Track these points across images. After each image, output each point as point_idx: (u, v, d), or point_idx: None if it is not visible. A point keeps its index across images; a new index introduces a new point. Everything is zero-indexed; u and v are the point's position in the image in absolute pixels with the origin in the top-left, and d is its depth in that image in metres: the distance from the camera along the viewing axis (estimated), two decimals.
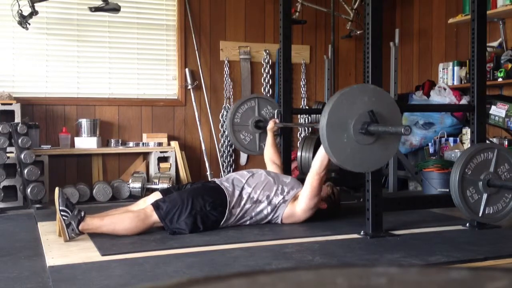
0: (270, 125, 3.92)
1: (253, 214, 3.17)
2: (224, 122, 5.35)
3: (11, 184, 4.15)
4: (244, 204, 3.14)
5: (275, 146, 3.87)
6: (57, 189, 2.82)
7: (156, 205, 2.96)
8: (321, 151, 2.98)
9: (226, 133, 4.27)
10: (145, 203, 3.18)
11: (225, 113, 5.36)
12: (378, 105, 2.69)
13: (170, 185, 4.47)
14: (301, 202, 3.16)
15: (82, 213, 2.80)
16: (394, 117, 2.73)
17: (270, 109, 4.32)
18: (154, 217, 2.93)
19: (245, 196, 3.15)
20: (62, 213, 2.74)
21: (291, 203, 3.19)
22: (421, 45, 5.81)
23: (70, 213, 2.76)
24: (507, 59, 4.57)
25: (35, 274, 2.29)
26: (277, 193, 3.20)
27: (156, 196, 3.22)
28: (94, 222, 2.82)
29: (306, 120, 5.67)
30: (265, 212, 3.18)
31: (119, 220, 2.88)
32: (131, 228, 2.87)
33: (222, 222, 3.08)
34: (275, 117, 4.11)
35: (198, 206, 2.99)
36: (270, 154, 3.81)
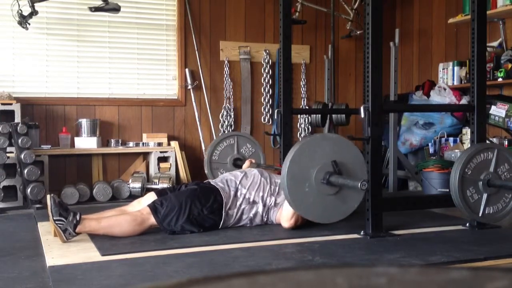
0: (246, 164, 3.93)
1: (251, 215, 3.17)
2: (224, 122, 5.35)
3: (11, 184, 4.15)
4: (240, 205, 3.15)
5: None
6: (48, 198, 2.78)
7: (153, 208, 2.95)
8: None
9: (205, 170, 4.31)
10: (140, 204, 3.17)
11: (225, 113, 5.36)
12: (342, 155, 2.69)
13: (170, 185, 4.47)
14: (283, 216, 3.13)
15: (78, 217, 2.78)
16: (358, 168, 2.73)
17: (249, 147, 4.35)
18: (151, 220, 2.93)
19: (240, 197, 3.15)
20: (56, 222, 2.73)
21: (281, 210, 3.18)
22: (421, 45, 5.81)
23: (65, 220, 2.74)
24: (507, 59, 4.57)
25: (35, 274, 2.29)
26: (270, 194, 3.21)
27: (151, 196, 3.21)
28: (91, 225, 2.82)
29: (307, 120, 5.67)
30: (260, 213, 3.19)
31: (117, 223, 2.88)
32: (128, 231, 2.87)
33: (221, 224, 3.08)
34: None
35: (195, 211, 2.99)
36: None
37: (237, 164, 4.27)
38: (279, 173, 3.53)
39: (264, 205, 3.19)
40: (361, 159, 2.77)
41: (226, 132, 5.25)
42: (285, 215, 3.09)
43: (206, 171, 4.33)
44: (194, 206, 3.00)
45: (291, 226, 3.08)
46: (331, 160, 2.65)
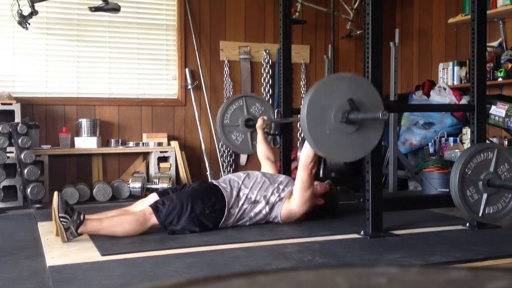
0: (259, 123, 3.95)
1: (251, 214, 3.17)
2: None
3: (11, 184, 4.15)
4: (242, 205, 3.15)
5: (266, 143, 3.89)
6: (55, 194, 2.79)
7: (155, 208, 2.96)
8: (306, 143, 2.98)
9: (218, 134, 4.28)
10: (143, 205, 3.18)
11: None
12: (357, 92, 2.68)
13: (170, 185, 4.47)
14: (295, 197, 3.18)
15: (82, 217, 2.79)
16: (374, 103, 2.71)
17: (259, 107, 4.31)
18: (153, 219, 2.94)
19: (242, 197, 3.16)
20: (61, 219, 2.74)
21: (287, 201, 3.20)
22: (421, 45, 5.81)
23: (69, 218, 2.75)
24: (507, 59, 4.57)
25: (35, 274, 2.29)
26: (273, 193, 3.21)
27: (154, 198, 3.21)
28: (93, 225, 2.82)
29: None
30: (263, 212, 3.19)
31: (119, 223, 2.88)
32: (130, 231, 2.88)
33: (221, 222, 3.08)
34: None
35: (197, 209, 3.00)
36: (262, 151, 3.83)
37: (249, 124, 4.22)
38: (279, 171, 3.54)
39: (267, 203, 3.19)
40: (375, 94, 2.75)
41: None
42: (304, 161, 3.09)
43: (220, 137, 4.28)
44: (196, 205, 3.00)
45: (309, 172, 3.09)
46: (347, 98, 2.63)
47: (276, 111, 4.16)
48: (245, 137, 4.25)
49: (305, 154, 3.10)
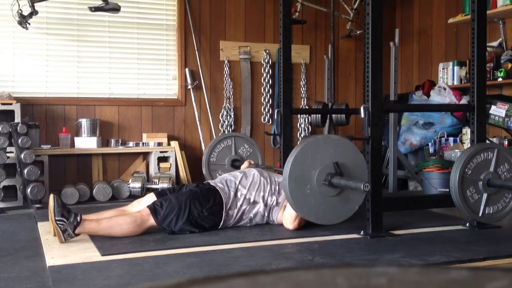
0: (245, 165, 3.92)
1: (251, 215, 3.17)
2: (224, 122, 5.35)
3: (11, 184, 4.15)
4: (241, 205, 3.15)
5: None
6: (51, 197, 2.78)
7: (153, 210, 2.95)
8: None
9: (203, 172, 4.31)
10: (140, 204, 3.17)
11: (225, 113, 5.36)
12: (344, 157, 2.69)
13: (170, 185, 4.47)
14: (284, 223, 3.14)
15: (79, 219, 2.78)
16: (360, 171, 2.73)
17: (247, 148, 4.34)
18: (151, 221, 2.94)
19: (241, 198, 3.15)
20: (58, 222, 2.74)
21: (283, 210, 3.19)
22: (421, 45, 5.81)
23: (66, 221, 2.75)
24: (507, 59, 4.57)
25: (35, 274, 2.29)
26: (270, 193, 3.21)
27: (151, 197, 3.21)
28: (91, 226, 2.82)
29: (307, 120, 5.67)
30: (262, 213, 3.19)
31: (116, 225, 2.88)
32: (128, 232, 2.88)
33: (221, 224, 3.08)
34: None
35: (195, 212, 2.99)
36: None
37: (235, 165, 4.27)
38: (279, 173, 3.54)
39: (266, 205, 3.19)
40: (362, 161, 2.77)
41: (226, 132, 5.25)
42: (288, 217, 3.09)
43: (204, 172, 4.33)
44: (194, 207, 3.00)
45: (295, 228, 3.08)
46: (333, 161, 2.64)
47: (276, 111, 4.16)
48: None
49: (288, 211, 3.07)
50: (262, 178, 3.25)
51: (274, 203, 3.20)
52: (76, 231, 2.77)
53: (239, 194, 3.16)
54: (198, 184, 3.30)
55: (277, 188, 3.24)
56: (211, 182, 3.25)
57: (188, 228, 2.97)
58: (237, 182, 3.20)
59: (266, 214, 3.20)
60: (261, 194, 3.19)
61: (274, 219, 3.22)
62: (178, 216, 2.95)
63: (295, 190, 2.64)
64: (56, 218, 2.72)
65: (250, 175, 3.27)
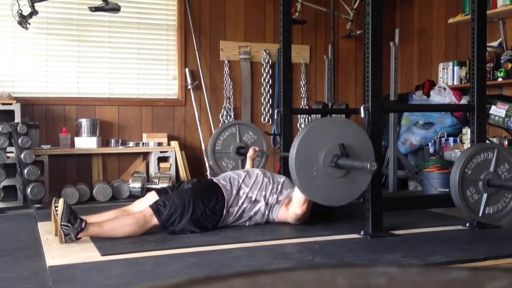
0: (250, 152, 3.92)
1: (251, 213, 3.17)
2: (225, 121, 5.35)
3: (11, 184, 4.15)
4: (242, 203, 3.15)
5: None
6: (61, 202, 2.76)
7: (156, 210, 2.95)
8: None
9: (208, 161, 4.29)
10: (141, 204, 3.17)
11: (225, 113, 5.36)
12: (350, 138, 2.69)
13: (170, 185, 4.47)
14: (291, 212, 3.15)
15: (83, 224, 2.77)
16: (366, 151, 2.73)
17: (251, 135, 4.33)
18: (154, 221, 2.93)
19: (242, 196, 3.15)
20: (63, 226, 2.73)
21: (284, 206, 3.19)
22: (421, 45, 5.81)
23: (71, 226, 2.75)
24: (507, 59, 4.57)
25: (35, 274, 2.29)
26: (272, 193, 3.21)
27: (152, 196, 3.20)
28: (94, 230, 2.81)
29: (307, 120, 5.67)
30: (262, 211, 3.19)
31: (118, 226, 2.87)
32: (130, 233, 2.87)
33: (220, 221, 3.08)
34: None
35: (198, 211, 2.99)
36: None
37: (241, 152, 4.23)
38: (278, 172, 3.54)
39: (267, 204, 3.19)
40: (367, 142, 2.76)
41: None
42: (296, 202, 3.08)
43: (210, 163, 4.30)
44: (197, 207, 2.99)
45: (303, 212, 3.08)
46: (339, 143, 2.64)
47: (276, 111, 4.16)
48: (236, 165, 4.26)
49: (297, 195, 3.08)
50: (265, 178, 3.26)
51: (275, 201, 3.20)
52: (79, 236, 2.77)
53: (241, 192, 3.16)
54: (200, 180, 3.30)
55: (279, 187, 3.24)
56: (214, 179, 3.25)
57: (189, 228, 2.96)
58: (240, 181, 3.20)
59: (266, 212, 3.20)
60: (263, 193, 3.19)
61: (274, 217, 3.21)
62: (181, 216, 2.95)
63: (302, 172, 2.62)
64: (62, 223, 2.72)
65: (254, 174, 3.27)
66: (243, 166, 4.16)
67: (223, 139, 4.30)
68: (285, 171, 3.99)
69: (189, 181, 3.46)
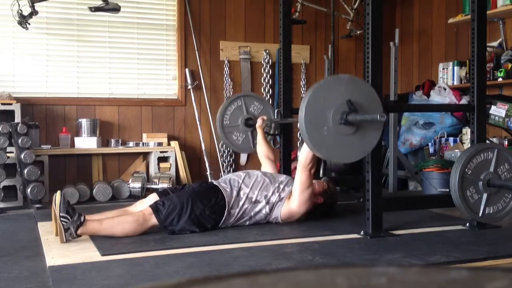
0: (259, 123, 3.95)
1: (252, 214, 3.17)
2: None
3: (11, 184, 4.15)
4: (243, 205, 3.15)
5: (266, 142, 3.90)
6: (58, 194, 2.78)
7: (155, 209, 2.96)
8: (305, 144, 2.97)
9: (219, 136, 4.27)
10: (143, 204, 3.18)
11: None
12: (356, 94, 2.68)
13: (170, 185, 4.47)
14: (294, 198, 3.17)
15: (82, 218, 2.78)
16: (373, 105, 2.72)
17: (258, 105, 4.31)
18: (153, 220, 2.94)
19: (243, 197, 3.15)
20: (62, 219, 2.74)
21: (287, 201, 3.20)
22: (421, 45, 5.81)
23: (70, 219, 2.75)
24: (507, 59, 4.57)
25: (35, 274, 2.29)
26: (274, 193, 3.21)
27: (154, 198, 3.21)
28: (93, 226, 2.82)
29: None
30: (263, 212, 3.19)
31: (118, 224, 2.88)
32: (130, 232, 2.88)
33: (221, 222, 3.08)
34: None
35: (197, 210, 2.99)
36: (262, 151, 3.84)
37: (249, 123, 4.21)
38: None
39: (268, 203, 3.19)
40: (374, 95, 2.76)
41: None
42: (302, 162, 3.10)
43: (221, 138, 4.28)
44: (196, 206, 3.00)
45: (308, 173, 3.09)
46: (346, 100, 2.63)
47: (276, 111, 4.16)
48: (246, 137, 4.24)
49: (303, 154, 3.10)
50: (265, 178, 3.26)
51: (278, 200, 3.20)
52: (79, 232, 2.77)
53: (241, 193, 3.16)
54: (201, 183, 3.31)
55: (280, 186, 3.24)
56: (214, 182, 3.26)
57: (189, 227, 2.97)
58: (240, 181, 3.20)
59: (268, 211, 3.19)
60: (264, 193, 3.19)
61: (277, 215, 3.21)
62: (180, 215, 2.95)
63: (313, 134, 2.61)
64: (61, 214, 2.72)
65: (254, 175, 3.28)
66: (253, 138, 4.16)
67: (230, 113, 4.25)
68: (285, 171, 3.99)
69: (191, 184, 3.48)
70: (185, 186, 3.34)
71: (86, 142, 4.73)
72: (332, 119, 2.63)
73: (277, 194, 3.21)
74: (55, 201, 2.77)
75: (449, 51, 5.43)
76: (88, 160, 4.89)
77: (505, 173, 3.12)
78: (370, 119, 2.62)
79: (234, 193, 3.14)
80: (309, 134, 2.61)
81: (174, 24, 5.23)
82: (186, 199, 3.00)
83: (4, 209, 4.01)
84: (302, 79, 5.68)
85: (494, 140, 4.43)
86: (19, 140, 4.07)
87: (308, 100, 2.60)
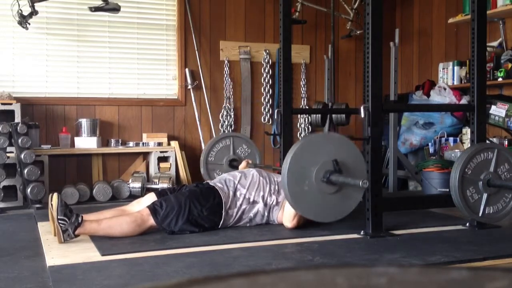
0: (243, 165, 3.92)
1: (251, 215, 3.17)
2: (224, 122, 5.35)
3: (11, 184, 4.15)
4: (241, 205, 3.15)
5: None
6: (55, 196, 2.78)
7: (153, 210, 2.95)
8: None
9: (201, 171, 4.33)
10: (140, 204, 3.17)
11: (225, 113, 5.36)
12: (344, 155, 2.70)
13: (170, 185, 4.47)
14: (286, 219, 3.13)
15: (80, 219, 2.78)
16: (359, 168, 2.73)
17: (245, 148, 4.35)
18: (151, 221, 2.94)
19: (240, 197, 3.15)
20: (60, 221, 2.74)
21: (283, 209, 3.18)
22: (421, 45, 5.81)
23: (68, 220, 2.75)
24: (507, 59, 4.57)
25: (35, 274, 2.29)
26: (270, 193, 3.21)
27: (151, 197, 3.21)
28: (91, 227, 2.82)
29: (307, 120, 5.67)
30: (261, 212, 3.19)
31: (116, 225, 2.88)
32: (128, 232, 2.88)
33: (220, 224, 3.08)
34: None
35: (195, 211, 3.00)
36: None
37: (233, 165, 4.28)
38: (279, 173, 3.54)
39: (265, 204, 3.19)
40: (361, 159, 2.78)
41: (226, 132, 5.25)
42: (287, 216, 3.09)
43: (202, 172, 4.34)
44: (194, 207, 3.00)
45: (294, 226, 3.08)
46: (332, 159, 2.65)
47: (276, 111, 4.16)
48: None
49: (287, 209, 3.07)
50: (261, 178, 3.25)
51: (274, 203, 3.20)
52: (77, 232, 2.77)
53: (238, 193, 3.16)
54: (197, 184, 3.31)
55: (276, 188, 3.24)
56: (210, 182, 3.25)
57: (188, 228, 2.97)
58: (236, 182, 3.20)
59: (266, 213, 3.20)
60: (261, 193, 3.19)
61: (274, 219, 3.22)
62: (178, 216, 2.95)
63: (294, 187, 2.64)
64: (58, 217, 2.72)
65: (249, 175, 3.27)
66: None
67: (216, 150, 4.35)
68: None
69: (188, 185, 3.47)
70: (183, 187, 3.34)
71: (86, 142, 4.73)
72: (315, 175, 2.65)
73: (273, 197, 3.20)
74: (51, 202, 2.77)
75: (449, 51, 5.43)
76: (88, 160, 4.89)
77: (505, 173, 3.12)
78: (352, 184, 2.62)
79: (231, 193, 3.14)
80: (289, 186, 2.62)
81: (174, 24, 5.23)
82: (184, 200, 3.00)
83: (4, 209, 4.01)
84: (302, 79, 5.68)
85: (494, 140, 4.43)
86: (19, 140, 4.07)
87: (296, 151, 2.62)
